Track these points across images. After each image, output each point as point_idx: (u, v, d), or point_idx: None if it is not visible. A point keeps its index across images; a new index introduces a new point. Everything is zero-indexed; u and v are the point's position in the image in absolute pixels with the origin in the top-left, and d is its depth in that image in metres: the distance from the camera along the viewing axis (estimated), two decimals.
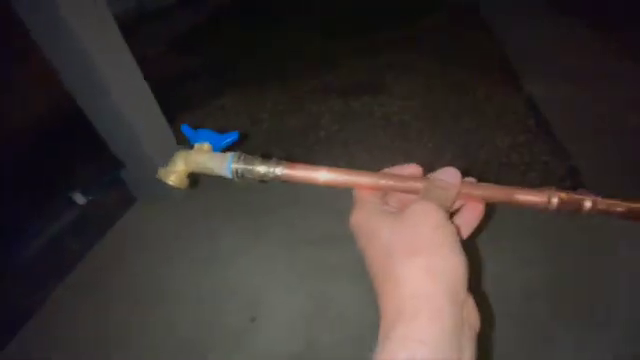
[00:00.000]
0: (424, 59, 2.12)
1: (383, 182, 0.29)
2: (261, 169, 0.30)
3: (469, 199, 0.30)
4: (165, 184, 0.33)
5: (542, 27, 2.18)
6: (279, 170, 0.30)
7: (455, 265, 0.23)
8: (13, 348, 0.96)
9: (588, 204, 0.27)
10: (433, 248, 0.24)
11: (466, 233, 0.30)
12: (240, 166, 0.30)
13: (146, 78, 1.23)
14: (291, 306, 0.99)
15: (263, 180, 0.31)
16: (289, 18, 3.15)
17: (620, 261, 0.97)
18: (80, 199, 1.33)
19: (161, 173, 0.33)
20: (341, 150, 1.69)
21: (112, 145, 1.28)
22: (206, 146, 0.34)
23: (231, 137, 0.35)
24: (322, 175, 0.29)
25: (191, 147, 0.34)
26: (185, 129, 0.35)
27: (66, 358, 0.93)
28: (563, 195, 0.28)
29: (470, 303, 0.24)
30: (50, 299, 1.08)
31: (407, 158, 1.61)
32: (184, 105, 2.11)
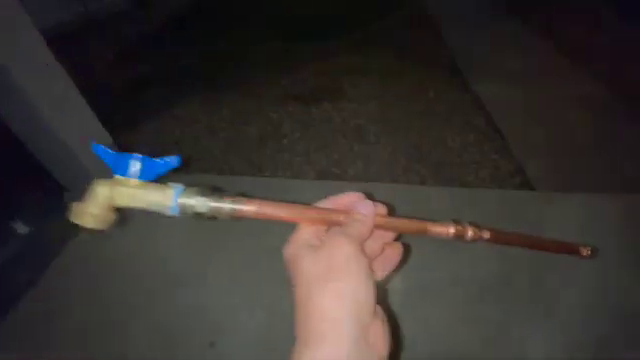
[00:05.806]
0: (378, 62, 2.16)
1: (307, 216, 0.30)
2: (215, 205, 0.27)
3: (383, 231, 0.32)
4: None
5: (487, 27, 2.28)
6: (234, 206, 0.27)
7: (361, 291, 0.25)
8: None
9: (470, 234, 0.31)
10: (343, 276, 0.26)
11: (389, 269, 0.33)
12: (190, 202, 0.26)
13: (93, 89, 1.16)
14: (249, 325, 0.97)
15: (213, 218, 0.27)
16: (247, 24, 3.10)
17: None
18: (22, 228, 1.23)
19: (74, 212, 0.25)
20: (303, 158, 1.68)
21: (52, 168, 1.20)
22: (132, 180, 0.26)
23: (168, 165, 0.27)
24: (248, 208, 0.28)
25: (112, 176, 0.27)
26: (101, 151, 0.27)
27: None
28: (459, 227, 0.32)
29: (377, 328, 0.26)
30: None
31: (366, 162, 1.64)
32: (135, 117, 2.01)
